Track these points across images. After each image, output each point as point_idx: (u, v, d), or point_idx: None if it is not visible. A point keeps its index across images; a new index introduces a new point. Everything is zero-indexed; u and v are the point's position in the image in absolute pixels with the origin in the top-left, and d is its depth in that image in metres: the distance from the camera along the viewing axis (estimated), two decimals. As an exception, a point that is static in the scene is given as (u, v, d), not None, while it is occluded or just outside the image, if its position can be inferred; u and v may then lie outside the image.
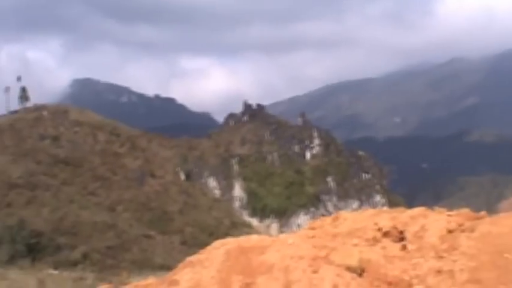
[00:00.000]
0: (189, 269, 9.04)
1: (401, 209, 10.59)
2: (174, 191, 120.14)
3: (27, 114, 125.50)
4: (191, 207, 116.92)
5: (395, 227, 9.63)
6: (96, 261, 76.88)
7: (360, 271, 8.66)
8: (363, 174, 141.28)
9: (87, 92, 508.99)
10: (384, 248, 9.28)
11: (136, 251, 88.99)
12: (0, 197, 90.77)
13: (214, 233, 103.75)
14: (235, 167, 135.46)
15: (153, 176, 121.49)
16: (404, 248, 9.25)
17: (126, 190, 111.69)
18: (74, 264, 69.94)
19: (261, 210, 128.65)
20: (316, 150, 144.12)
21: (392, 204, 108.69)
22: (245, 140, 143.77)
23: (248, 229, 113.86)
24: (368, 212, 10.52)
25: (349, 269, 8.63)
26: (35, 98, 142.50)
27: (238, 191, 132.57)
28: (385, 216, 10.08)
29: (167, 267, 63.35)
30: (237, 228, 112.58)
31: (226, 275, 8.54)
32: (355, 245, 9.33)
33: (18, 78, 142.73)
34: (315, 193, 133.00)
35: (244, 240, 9.43)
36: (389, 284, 8.45)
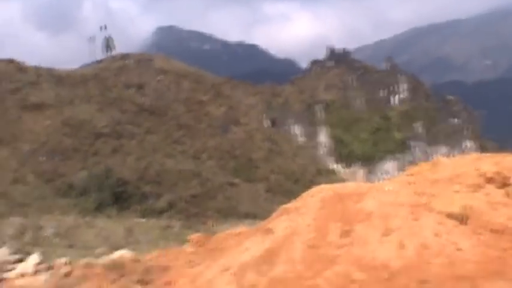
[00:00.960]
0: (285, 217, 8.85)
1: (504, 153, 10.02)
2: (259, 138, 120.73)
3: (111, 63, 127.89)
4: (276, 155, 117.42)
5: (499, 173, 9.10)
6: (182, 210, 78.52)
7: (462, 218, 8.26)
8: (452, 119, 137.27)
9: (171, 40, 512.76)
10: (487, 194, 8.82)
11: (221, 199, 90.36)
12: (87, 146, 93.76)
13: (299, 180, 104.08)
14: (320, 114, 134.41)
15: (237, 123, 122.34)
16: (508, 194, 8.77)
17: (210, 138, 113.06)
18: (159, 212, 71.81)
19: (346, 157, 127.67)
20: (403, 95, 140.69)
21: (483, 149, 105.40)
22: (330, 86, 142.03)
23: (334, 176, 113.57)
24: (469, 156, 10.02)
25: (451, 216, 8.23)
26: (120, 47, 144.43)
27: (323, 137, 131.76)
28: (488, 161, 9.54)
29: (252, 215, 64.34)
30: (322, 175, 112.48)
31: (323, 223, 8.28)
32: (457, 191, 8.88)
33: (103, 28, 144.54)
34: (402, 139, 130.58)
35: (340, 188, 9.15)
36: (493, 231, 8.03)
